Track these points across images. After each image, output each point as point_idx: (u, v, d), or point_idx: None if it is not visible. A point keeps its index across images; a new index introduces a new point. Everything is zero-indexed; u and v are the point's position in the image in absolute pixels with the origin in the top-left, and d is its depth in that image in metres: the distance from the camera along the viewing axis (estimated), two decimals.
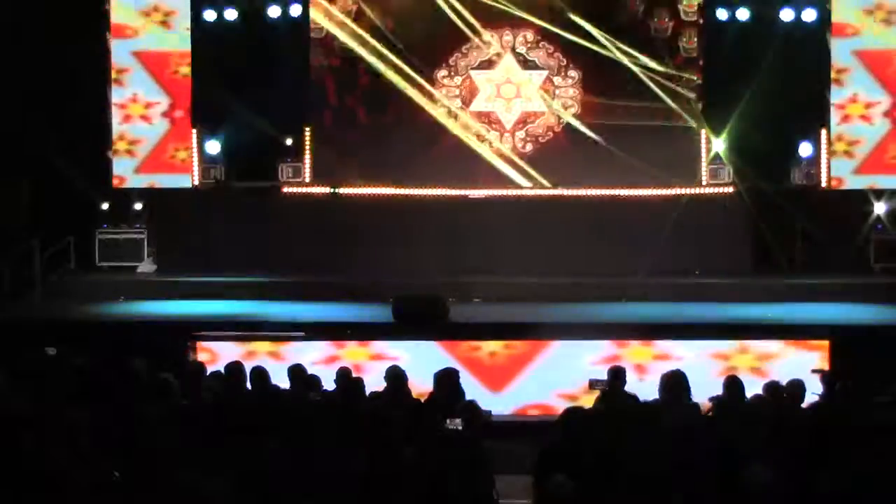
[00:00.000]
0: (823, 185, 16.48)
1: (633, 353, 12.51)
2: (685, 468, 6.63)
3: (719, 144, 16.53)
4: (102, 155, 16.76)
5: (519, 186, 16.72)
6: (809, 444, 7.27)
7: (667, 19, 16.64)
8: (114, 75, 16.75)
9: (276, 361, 11.75)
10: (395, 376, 9.20)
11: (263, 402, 8.57)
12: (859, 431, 7.39)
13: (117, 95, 16.76)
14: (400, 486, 6.58)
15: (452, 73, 16.81)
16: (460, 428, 7.74)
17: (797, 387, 8.98)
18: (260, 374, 9.27)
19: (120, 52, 16.73)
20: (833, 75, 16.35)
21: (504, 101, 16.82)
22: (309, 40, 16.78)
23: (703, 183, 16.63)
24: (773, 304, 14.46)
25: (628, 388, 9.41)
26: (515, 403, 12.54)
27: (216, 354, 12.28)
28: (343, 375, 9.39)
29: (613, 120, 16.61)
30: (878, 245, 16.25)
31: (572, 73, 16.71)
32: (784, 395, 8.92)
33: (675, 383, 8.28)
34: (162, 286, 15.84)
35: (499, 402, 11.80)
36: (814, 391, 9.32)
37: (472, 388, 10.46)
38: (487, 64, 16.81)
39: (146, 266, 16.77)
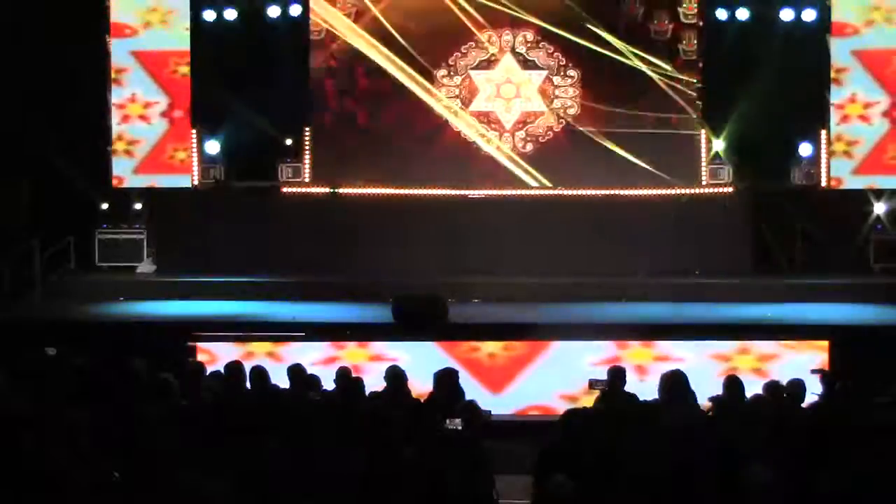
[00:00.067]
0: (823, 185, 16.47)
1: (633, 354, 12.50)
2: (685, 468, 6.62)
3: (719, 144, 16.54)
4: (102, 155, 16.74)
5: (523, 186, 16.71)
6: (809, 444, 7.27)
7: (666, 21, 16.64)
8: (112, 75, 16.73)
9: (274, 362, 11.73)
10: (395, 376, 9.20)
11: (263, 402, 8.56)
12: (859, 431, 7.38)
13: (116, 95, 16.73)
14: (400, 486, 6.57)
15: (452, 73, 16.82)
16: (460, 428, 7.74)
17: (797, 387, 8.98)
18: (260, 373, 9.27)
19: (119, 52, 16.70)
20: (832, 75, 16.34)
21: (504, 101, 16.82)
22: (309, 40, 16.78)
23: (703, 183, 16.64)
24: (773, 304, 14.47)
25: (629, 388, 9.40)
26: (516, 404, 12.52)
27: (214, 355, 12.25)
28: (343, 375, 9.39)
29: (613, 120, 16.63)
30: (877, 245, 16.25)
31: (572, 72, 16.71)
32: (784, 395, 8.92)
33: (675, 383, 8.27)
34: (161, 286, 15.85)
35: (499, 404, 11.76)
36: (814, 391, 9.31)
37: (472, 390, 10.44)
38: (487, 64, 16.82)
39: (146, 266, 16.76)
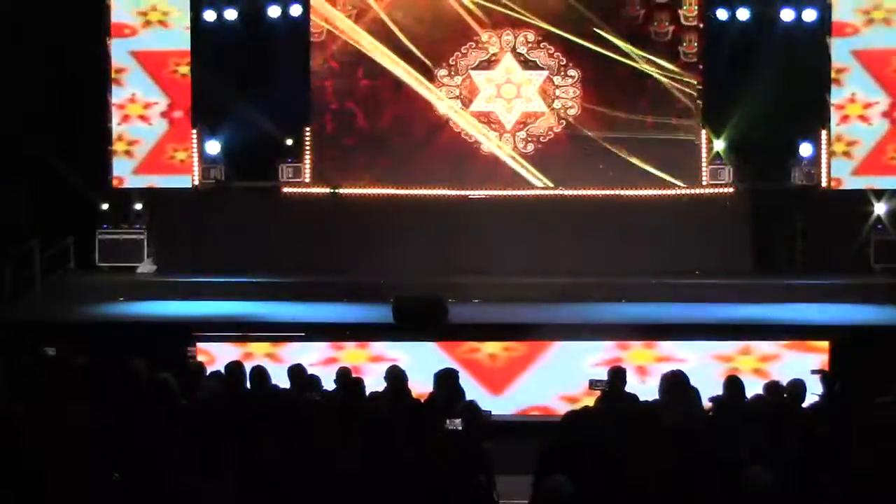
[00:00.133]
0: (823, 185, 16.46)
1: (634, 356, 12.49)
2: (685, 469, 6.62)
3: (720, 144, 16.54)
4: (102, 155, 16.72)
5: (524, 186, 16.69)
6: (809, 445, 7.27)
7: (667, 23, 16.64)
8: (112, 75, 16.70)
9: (274, 363, 11.72)
10: (395, 377, 9.20)
11: (263, 402, 8.56)
12: (859, 431, 7.38)
13: (116, 95, 16.66)
14: (399, 486, 6.57)
15: (452, 73, 16.81)
16: (460, 428, 7.73)
17: (797, 387, 8.99)
18: (260, 373, 9.27)
19: (118, 52, 16.66)
20: (832, 75, 16.33)
21: (504, 101, 16.81)
22: (309, 40, 16.78)
23: (703, 183, 16.63)
24: (773, 305, 14.47)
25: (629, 389, 9.39)
26: (516, 406, 12.53)
27: (213, 356, 12.24)
28: (343, 375, 9.40)
29: (613, 120, 16.63)
30: (878, 245, 16.24)
31: (572, 72, 16.71)
32: (784, 395, 8.92)
33: (676, 384, 8.27)
34: (162, 286, 15.84)
35: (499, 405, 11.74)
36: (814, 391, 9.32)
37: (472, 391, 10.43)
38: (487, 64, 16.81)
39: (146, 266, 16.76)
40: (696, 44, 16.61)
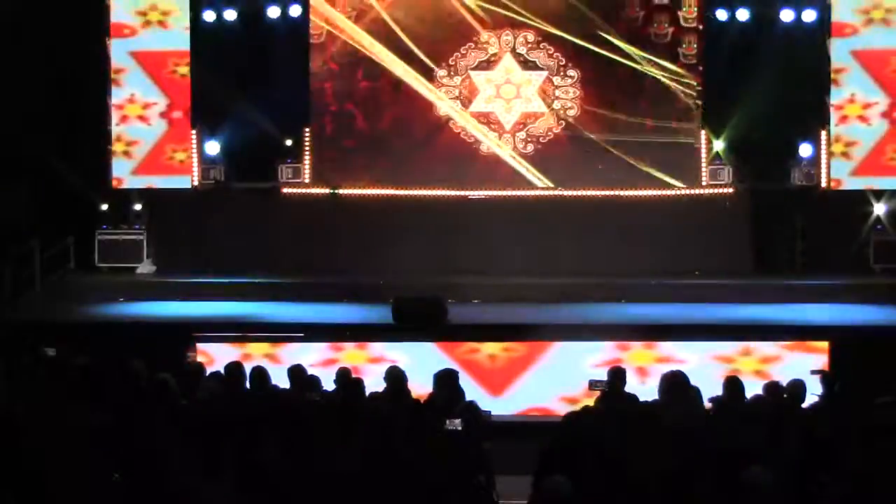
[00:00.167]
0: (823, 185, 16.46)
1: (635, 356, 12.48)
2: (685, 469, 6.62)
3: (719, 145, 16.55)
4: (102, 156, 16.71)
5: (525, 186, 16.69)
6: (809, 445, 7.27)
7: (666, 25, 16.64)
8: (111, 75, 16.69)
9: (273, 364, 11.70)
10: (395, 377, 9.19)
11: (263, 402, 8.56)
12: (859, 432, 7.38)
13: (115, 96, 16.65)
14: (399, 487, 6.57)
15: (452, 74, 16.81)
16: (460, 428, 7.74)
17: (797, 387, 8.98)
18: (260, 374, 9.26)
19: (117, 52, 16.64)
20: (831, 75, 16.32)
21: (504, 101, 16.81)
22: (308, 40, 16.78)
23: (703, 183, 16.64)
24: (773, 305, 14.46)
25: (630, 390, 9.38)
26: (516, 407, 12.51)
27: (212, 357, 12.22)
28: (343, 376, 9.39)
29: (613, 121, 16.63)
30: (877, 245, 16.23)
31: (572, 72, 16.71)
32: (784, 395, 8.92)
33: (676, 384, 8.27)
34: (161, 287, 15.84)
35: (499, 406, 11.73)
36: (814, 391, 9.32)
37: (472, 392, 10.40)
38: (486, 64, 16.81)
39: (146, 267, 16.76)
40: (695, 45, 16.61)
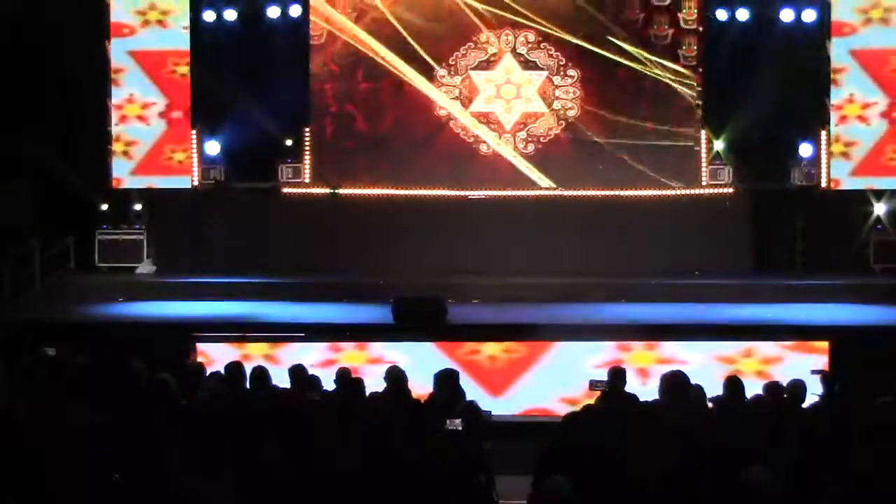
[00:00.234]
0: (823, 185, 16.45)
1: (636, 358, 12.46)
2: (685, 469, 6.62)
3: (719, 145, 16.55)
4: (101, 156, 16.70)
5: (526, 186, 16.69)
6: (809, 444, 7.27)
7: (666, 27, 16.64)
8: (110, 75, 16.67)
9: (272, 365, 11.67)
10: (395, 377, 9.19)
11: (263, 402, 8.56)
12: (859, 431, 7.38)
13: (114, 95, 16.64)
14: (399, 487, 6.57)
15: (452, 73, 16.82)
16: (460, 428, 7.74)
17: (797, 387, 8.98)
18: (260, 374, 9.26)
19: (116, 52, 16.61)
20: (831, 75, 16.31)
21: (504, 101, 16.81)
22: (308, 40, 16.77)
23: (703, 183, 16.64)
24: (773, 305, 14.46)
25: (631, 392, 9.37)
26: (516, 407, 12.48)
27: (211, 357, 12.20)
28: (343, 376, 9.39)
29: (613, 121, 16.63)
30: (877, 245, 16.24)
31: (572, 72, 16.70)
32: (784, 395, 8.92)
33: (676, 384, 8.26)
34: (161, 287, 15.84)
35: (499, 406, 11.69)
36: (814, 391, 9.31)
37: (472, 393, 10.36)
38: (486, 64, 16.81)
39: (146, 267, 16.76)
40: (695, 47, 16.62)
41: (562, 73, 16.72)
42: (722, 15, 16.57)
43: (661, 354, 12.53)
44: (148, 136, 16.72)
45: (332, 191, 16.85)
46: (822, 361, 12.29)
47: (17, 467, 6.08)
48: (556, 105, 16.76)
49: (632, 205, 16.50)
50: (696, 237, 16.30)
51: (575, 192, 16.63)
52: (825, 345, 12.51)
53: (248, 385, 9.18)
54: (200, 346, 12.62)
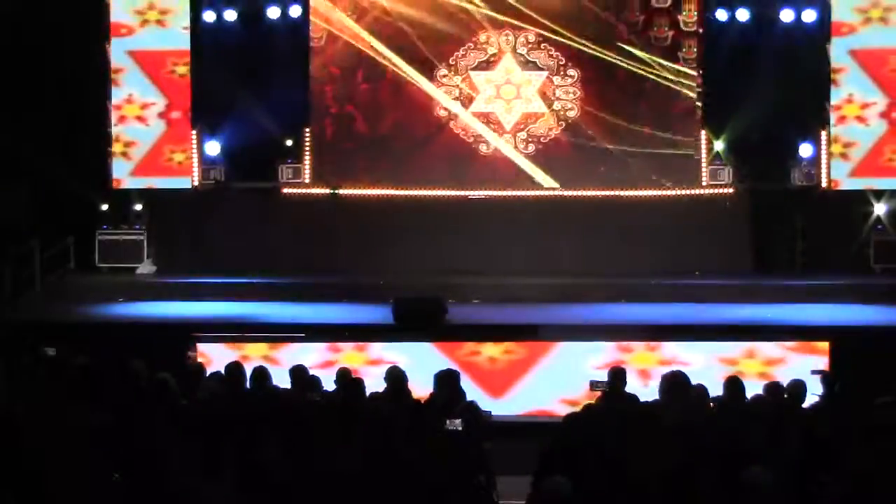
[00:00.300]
0: (823, 185, 16.44)
1: (637, 359, 12.44)
2: (685, 469, 6.62)
3: (719, 145, 16.55)
4: (101, 156, 16.69)
5: (526, 186, 16.69)
6: (810, 444, 7.27)
7: (666, 29, 16.64)
8: (111, 75, 16.66)
9: (270, 366, 11.63)
10: (395, 377, 9.19)
11: (263, 402, 8.56)
12: (859, 431, 7.38)
13: (112, 96, 16.62)
14: (400, 487, 6.57)
15: (452, 73, 16.82)
16: (460, 428, 7.74)
17: (797, 387, 8.98)
18: (260, 374, 9.26)
19: (115, 52, 16.58)
20: (831, 76, 16.29)
21: (504, 101, 16.81)
22: (309, 40, 16.77)
23: (703, 183, 16.63)
24: (773, 305, 14.46)
25: (632, 393, 9.37)
26: (517, 409, 12.46)
27: (209, 358, 12.18)
28: (343, 376, 9.39)
29: (613, 122, 16.62)
30: (877, 246, 16.23)
31: (572, 72, 16.70)
32: (784, 395, 8.92)
33: (676, 384, 8.26)
34: (161, 287, 15.84)
35: (500, 408, 11.66)
36: (814, 391, 9.31)
37: (472, 394, 10.33)
38: (486, 65, 16.81)
39: (146, 267, 16.76)
40: (695, 49, 16.61)
41: (562, 72, 16.73)
42: (722, 15, 16.57)
43: (662, 356, 12.51)
44: (147, 136, 16.69)
45: (332, 191, 16.85)
46: (822, 362, 12.28)
47: (17, 467, 6.08)
48: (557, 105, 16.76)
49: (632, 205, 16.51)
50: (696, 237, 16.29)
51: (575, 193, 16.63)
52: (825, 345, 12.50)
53: (248, 385, 9.18)
54: (200, 346, 12.61)
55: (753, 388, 8.91)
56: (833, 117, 16.27)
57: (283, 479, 6.52)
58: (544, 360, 12.67)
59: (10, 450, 6.28)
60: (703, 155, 16.61)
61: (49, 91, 16.41)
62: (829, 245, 16.27)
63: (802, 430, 7.60)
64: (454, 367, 11.01)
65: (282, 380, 9.46)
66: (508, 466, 7.95)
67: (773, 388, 9.06)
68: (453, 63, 16.80)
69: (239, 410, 8.03)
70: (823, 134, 16.40)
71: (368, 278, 15.61)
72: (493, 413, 9.09)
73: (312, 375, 9.67)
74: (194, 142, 16.74)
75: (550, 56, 16.73)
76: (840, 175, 16.30)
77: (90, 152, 16.59)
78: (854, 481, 6.28)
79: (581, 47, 16.60)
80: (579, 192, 16.62)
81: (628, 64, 16.57)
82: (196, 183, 16.83)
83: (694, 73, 16.58)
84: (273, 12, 16.81)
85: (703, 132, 16.59)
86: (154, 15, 16.59)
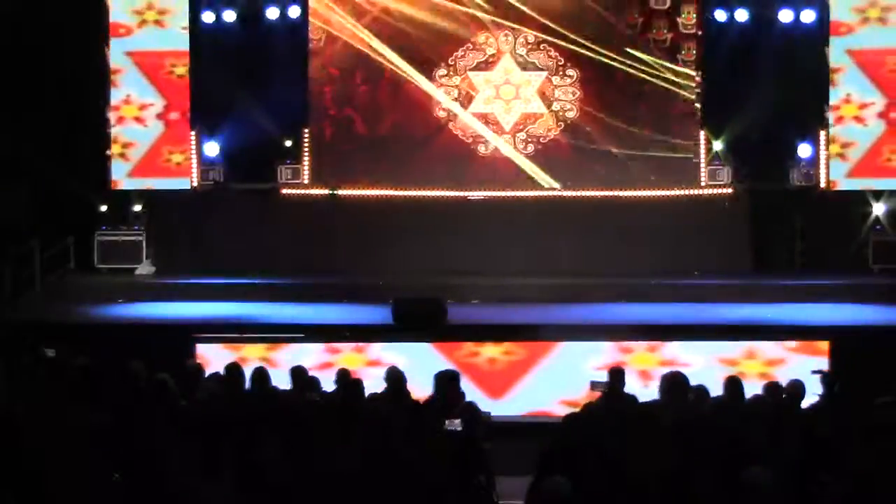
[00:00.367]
0: (822, 185, 16.45)
1: (638, 359, 12.43)
2: (685, 468, 6.62)
3: (718, 145, 16.56)
4: (100, 157, 16.69)
5: (526, 186, 16.70)
6: (810, 444, 7.27)
7: (665, 31, 16.64)
8: (109, 76, 16.64)
9: (269, 367, 11.61)
10: (395, 377, 9.19)
11: (263, 402, 8.56)
12: (859, 431, 7.38)
13: (111, 96, 16.62)
14: (399, 487, 6.57)
15: (451, 74, 16.82)
16: (460, 429, 7.74)
17: (797, 387, 8.98)
18: (260, 374, 9.26)
19: (113, 52, 16.55)
20: (830, 76, 16.28)
21: (503, 102, 16.81)
22: (307, 41, 16.77)
23: (703, 183, 16.64)
24: (773, 305, 14.46)
25: (632, 393, 9.37)
26: (516, 410, 12.44)
27: (207, 360, 12.15)
28: (342, 376, 9.40)
29: (612, 122, 16.63)
30: (876, 246, 16.24)
31: (570, 72, 16.71)
32: (784, 395, 8.92)
33: (675, 384, 8.27)
34: (161, 288, 15.83)
35: (499, 409, 11.64)
36: (814, 391, 9.32)
37: (472, 395, 10.33)
38: (485, 65, 16.81)
39: (145, 268, 16.75)
40: (694, 51, 16.63)
41: (561, 73, 16.73)
42: (721, 16, 16.58)
43: (663, 356, 12.50)
44: (145, 137, 16.67)
45: (331, 192, 16.85)
46: (822, 362, 12.28)
47: (17, 467, 6.08)
48: (556, 106, 16.76)
49: (631, 205, 16.51)
50: (695, 237, 16.30)
51: (574, 193, 16.64)
52: (825, 345, 12.50)
53: (247, 385, 9.18)
54: (200, 346, 12.60)
55: (754, 389, 8.91)
56: (831, 117, 16.27)
57: (282, 479, 6.52)
58: (544, 360, 12.66)
59: (10, 450, 6.29)
60: (703, 156, 16.61)
61: (49, 91, 16.40)
62: (828, 245, 16.28)
63: (802, 430, 7.61)
64: (454, 367, 11.03)
65: (281, 380, 9.46)
66: (508, 466, 7.95)
67: (772, 388, 9.06)
68: (452, 63, 16.81)
69: (238, 411, 8.04)
70: (822, 134, 16.40)
71: (368, 279, 15.60)
72: (492, 414, 9.08)
73: (312, 376, 9.66)
74: (193, 143, 16.74)
75: (550, 57, 16.74)
76: (838, 175, 16.30)
77: (90, 153, 16.58)
78: (854, 481, 6.27)
79: (580, 48, 16.60)
80: (579, 193, 16.63)
81: (628, 65, 16.57)
82: (195, 184, 16.83)
83: (693, 74, 16.58)
84: (272, 13, 16.81)
85: (702, 133, 16.59)
86: (152, 15, 16.55)
